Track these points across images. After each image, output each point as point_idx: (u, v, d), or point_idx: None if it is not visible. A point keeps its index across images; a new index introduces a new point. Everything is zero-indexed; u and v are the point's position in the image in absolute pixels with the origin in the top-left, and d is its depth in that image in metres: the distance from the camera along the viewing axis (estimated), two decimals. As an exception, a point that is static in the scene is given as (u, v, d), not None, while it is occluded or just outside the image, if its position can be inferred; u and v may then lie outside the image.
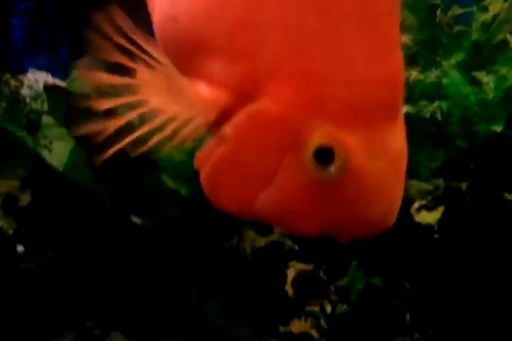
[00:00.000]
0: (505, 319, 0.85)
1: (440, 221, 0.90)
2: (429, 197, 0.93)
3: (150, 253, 0.80)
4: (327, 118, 0.34)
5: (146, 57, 0.35)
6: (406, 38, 0.96)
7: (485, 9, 0.97)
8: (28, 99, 0.77)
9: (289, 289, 0.87)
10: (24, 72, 0.82)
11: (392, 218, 0.36)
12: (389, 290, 0.88)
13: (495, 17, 0.97)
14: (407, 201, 0.92)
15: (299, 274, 0.88)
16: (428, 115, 0.96)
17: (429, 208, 0.93)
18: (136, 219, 0.78)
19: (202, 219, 0.82)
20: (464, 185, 0.90)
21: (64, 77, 0.80)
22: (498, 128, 0.91)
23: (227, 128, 0.36)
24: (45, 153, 0.75)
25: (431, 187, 0.94)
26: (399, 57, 0.36)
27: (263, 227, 0.85)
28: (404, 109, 0.36)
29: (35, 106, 0.77)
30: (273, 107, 0.35)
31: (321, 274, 0.89)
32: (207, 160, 0.37)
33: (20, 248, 0.76)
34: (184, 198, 0.81)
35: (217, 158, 0.36)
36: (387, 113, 0.36)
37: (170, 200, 0.81)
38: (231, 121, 0.36)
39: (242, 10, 0.35)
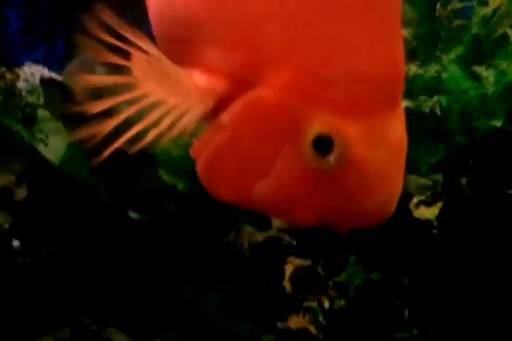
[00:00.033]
0: (505, 315, 0.85)
1: (439, 216, 0.90)
2: (428, 193, 0.93)
3: (147, 249, 0.79)
4: (326, 107, 0.34)
5: (139, 51, 0.35)
6: (405, 32, 0.95)
7: (485, 3, 0.97)
8: (24, 93, 0.77)
9: (286, 285, 0.87)
10: (20, 65, 0.82)
11: (392, 208, 0.36)
12: (387, 286, 0.88)
13: (495, 11, 0.96)
14: (405, 196, 0.92)
15: (297, 270, 0.88)
16: (427, 110, 0.96)
17: (428, 203, 0.93)
18: (133, 214, 0.78)
19: (199, 214, 0.82)
20: (463, 180, 0.90)
21: (60, 70, 0.79)
22: (498, 123, 0.91)
23: (225, 117, 0.35)
24: (41, 147, 0.75)
25: (430, 183, 0.94)
26: (399, 46, 0.36)
27: (261, 222, 0.85)
28: (404, 103, 0.36)
29: (31, 99, 0.76)
30: (271, 95, 0.35)
31: (319, 270, 0.89)
32: (203, 149, 0.36)
33: (16, 243, 0.76)
34: (181, 193, 0.81)
35: (214, 146, 0.36)
36: (388, 102, 0.35)
37: (167, 195, 0.81)
38: (228, 109, 0.35)
39: None
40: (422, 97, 0.96)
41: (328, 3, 0.34)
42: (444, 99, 0.96)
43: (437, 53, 1.00)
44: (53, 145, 0.75)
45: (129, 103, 0.35)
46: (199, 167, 0.37)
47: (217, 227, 0.84)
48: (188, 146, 0.82)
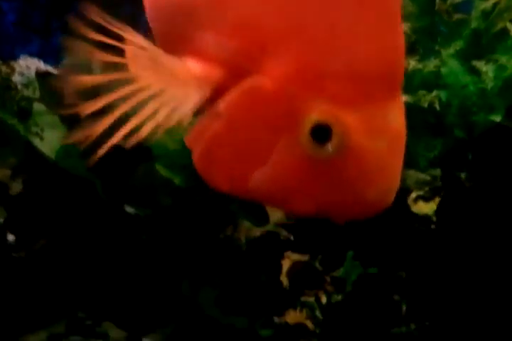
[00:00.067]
0: (503, 311, 0.85)
1: (437, 211, 0.90)
2: (427, 188, 0.93)
3: (143, 243, 0.79)
4: (325, 96, 0.34)
5: (130, 45, 0.35)
6: (404, 26, 0.95)
7: (485, -3, 0.97)
8: (19, 86, 0.77)
9: (284, 280, 0.87)
10: (15, 58, 0.82)
11: (391, 198, 0.36)
12: (385, 281, 0.88)
13: (495, 5, 0.96)
14: (404, 191, 0.92)
15: (295, 265, 0.88)
16: (426, 105, 0.95)
17: (426, 198, 0.93)
18: (129, 209, 0.78)
19: (196, 208, 0.82)
20: (462, 176, 0.90)
21: (56, 63, 0.79)
22: (497, 118, 0.91)
23: (221, 105, 0.35)
24: (36, 141, 0.74)
25: (428, 178, 0.93)
26: (400, 35, 0.35)
27: (258, 217, 0.85)
28: (403, 98, 0.36)
29: (27, 93, 0.76)
30: (268, 83, 0.34)
31: (317, 265, 0.89)
32: (199, 138, 0.36)
33: (11, 237, 0.76)
34: (178, 187, 0.81)
35: (210, 135, 0.35)
36: (387, 91, 0.35)
37: (164, 190, 0.81)
38: (225, 97, 0.35)
39: None
40: (421, 92, 0.96)
41: None
42: (443, 94, 0.96)
43: (436, 47, 0.99)
44: (49, 139, 0.75)
45: (124, 99, 0.35)
46: (195, 156, 0.37)
47: (214, 222, 0.83)
48: (184, 140, 0.82)
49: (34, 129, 0.74)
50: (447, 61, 0.97)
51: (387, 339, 0.87)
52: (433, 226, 0.90)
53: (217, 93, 0.35)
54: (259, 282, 0.84)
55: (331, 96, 0.34)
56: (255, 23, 0.34)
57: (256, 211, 0.85)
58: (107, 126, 0.34)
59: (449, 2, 0.98)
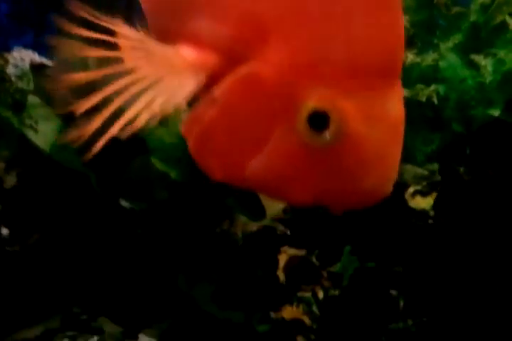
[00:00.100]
0: (502, 306, 0.85)
1: (435, 206, 0.90)
2: (424, 183, 0.93)
3: (139, 238, 0.79)
4: (322, 82, 0.33)
5: (123, 38, 0.34)
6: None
7: (484, -10, 0.97)
8: (13, 78, 0.76)
9: (280, 275, 0.87)
10: (9, 50, 0.81)
11: (389, 187, 0.35)
12: (382, 277, 0.88)
13: (494, -2, 0.96)
14: (401, 186, 0.92)
15: (291, 259, 0.88)
16: (424, 99, 0.95)
17: (423, 193, 0.93)
18: (124, 203, 0.78)
19: (192, 202, 0.82)
20: (460, 170, 0.90)
21: (51, 55, 0.78)
22: (496, 113, 0.91)
23: (217, 92, 0.35)
24: (30, 134, 0.74)
25: (426, 172, 0.93)
26: (399, 21, 0.35)
27: (255, 212, 0.85)
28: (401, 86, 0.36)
29: (21, 85, 0.76)
30: (264, 69, 0.34)
31: (314, 260, 0.89)
32: (195, 126, 0.35)
33: (4, 231, 0.75)
34: (174, 181, 0.80)
35: (206, 122, 0.35)
36: (386, 77, 0.34)
37: (159, 183, 0.81)
38: (220, 84, 0.35)
39: None
40: (419, 86, 0.96)
41: None
42: (441, 88, 0.96)
43: (435, 41, 0.99)
44: (43, 132, 0.74)
45: (119, 92, 0.35)
46: (190, 144, 0.36)
47: (210, 216, 0.83)
48: (180, 134, 0.82)
49: (28, 122, 0.74)
50: (446, 55, 0.97)
51: (384, 335, 0.87)
52: (430, 221, 0.90)
53: (213, 80, 0.35)
54: (256, 277, 0.84)
55: (329, 83, 0.33)
56: (251, 9, 0.34)
57: (252, 205, 0.84)
58: (103, 120, 0.34)
59: (447, -5, 0.98)
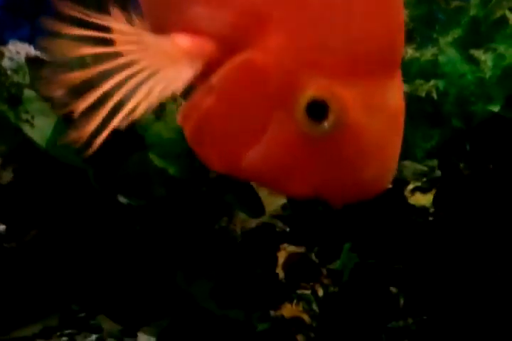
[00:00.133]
0: (502, 304, 0.85)
1: (434, 202, 0.90)
2: (424, 179, 0.93)
3: (137, 234, 0.79)
4: (321, 71, 0.33)
5: (117, 34, 0.34)
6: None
7: (484, -16, 0.97)
8: (9, 72, 0.76)
9: (280, 272, 0.87)
10: (5, 43, 0.81)
11: (389, 178, 0.35)
12: (382, 274, 0.88)
13: (494, -8, 0.96)
14: (401, 182, 0.92)
15: (291, 257, 0.88)
16: (424, 94, 0.96)
17: (423, 190, 0.93)
18: (122, 199, 0.78)
19: (191, 199, 0.82)
20: (459, 166, 0.90)
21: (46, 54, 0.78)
22: (496, 108, 0.91)
23: (213, 80, 0.34)
24: (26, 129, 0.74)
25: (425, 169, 0.94)
26: (399, 10, 0.35)
27: (254, 208, 0.85)
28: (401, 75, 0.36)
29: (17, 78, 0.75)
30: (263, 57, 0.33)
31: (313, 257, 0.89)
32: (192, 115, 0.35)
33: (1, 227, 0.75)
34: (172, 177, 0.80)
35: (203, 111, 0.35)
36: (386, 66, 0.34)
37: (157, 179, 0.81)
38: (217, 72, 0.34)
39: None
40: (418, 81, 0.96)
41: None
42: (440, 83, 0.96)
43: (434, 36, 0.99)
44: (40, 127, 0.74)
45: (117, 87, 0.35)
46: (187, 133, 0.36)
47: (209, 213, 0.83)
48: (179, 129, 0.81)
49: (24, 116, 0.74)
50: (445, 49, 0.97)
51: (384, 334, 0.87)
52: (430, 218, 0.91)
53: (210, 68, 0.35)
54: (255, 274, 0.84)
55: (328, 71, 0.33)
56: None
57: (251, 202, 0.85)
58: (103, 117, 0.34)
59: (447, -11, 0.98)
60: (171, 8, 0.36)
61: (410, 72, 0.97)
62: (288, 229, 0.88)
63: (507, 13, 0.96)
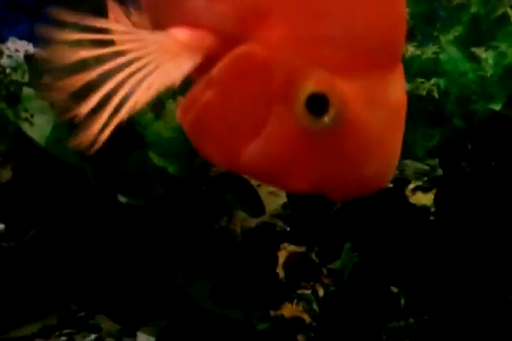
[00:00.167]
0: (503, 304, 0.85)
1: (435, 201, 0.90)
2: (425, 178, 0.94)
3: (137, 234, 0.79)
4: (322, 64, 0.33)
5: (115, 34, 0.34)
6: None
7: (485, -18, 0.97)
8: (8, 70, 0.76)
9: (280, 272, 0.87)
10: (4, 40, 0.81)
11: (390, 174, 0.35)
12: (383, 274, 0.89)
13: (495, -10, 0.97)
14: (402, 181, 0.92)
15: (291, 256, 0.88)
16: (424, 92, 0.96)
17: (424, 189, 0.93)
18: (122, 198, 0.78)
19: (190, 198, 0.82)
20: (461, 166, 0.90)
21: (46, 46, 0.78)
22: (497, 107, 0.91)
23: (212, 74, 0.34)
24: (25, 127, 0.74)
25: (427, 168, 0.94)
26: (401, 3, 0.35)
27: (254, 208, 0.85)
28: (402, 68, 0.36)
29: (16, 77, 0.76)
30: (261, 50, 0.33)
31: (313, 257, 0.90)
32: (191, 108, 0.35)
33: (0, 226, 0.75)
34: (172, 176, 0.81)
35: (202, 105, 0.35)
36: (387, 59, 0.34)
37: (157, 178, 0.81)
38: (216, 66, 0.34)
39: None
40: (419, 79, 0.96)
41: None
42: (441, 82, 0.96)
43: (435, 33, 1.00)
44: (39, 125, 0.74)
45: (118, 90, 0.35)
46: (185, 126, 0.36)
47: (208, 212, 0.84)
48: (178, 128, 0.82)
49: (23, 115, 0.74)
50: (446, 47, 0.98)
51: (385, 334, 0.88)
52: (432, 218, 0.91)
53: (210, 61, 0.34)
54: (255, 274, 0.85)
55: (328, 64, 0.33)
56: None
57: (251, 201, 0.85)
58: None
59: (448, -14, 0.99)
60: (170, 1, 0.36)
61: (411, 70, 0.97)
62: (288, 229, 0.88)
63: (508, 10, 0.97)
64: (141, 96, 0.34)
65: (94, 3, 0.37)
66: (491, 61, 0.94)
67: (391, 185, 0.91)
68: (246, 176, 0.85)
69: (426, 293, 0.89)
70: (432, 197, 0.92)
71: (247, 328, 0.82)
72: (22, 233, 0.75)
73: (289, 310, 0.86)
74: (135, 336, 0.76)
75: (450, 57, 0.97)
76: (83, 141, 0.33)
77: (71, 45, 0.33)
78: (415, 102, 0.95)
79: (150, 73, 0.34)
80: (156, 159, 0.80)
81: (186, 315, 0.80)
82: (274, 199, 0.87)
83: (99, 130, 0.34)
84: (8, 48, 0.78)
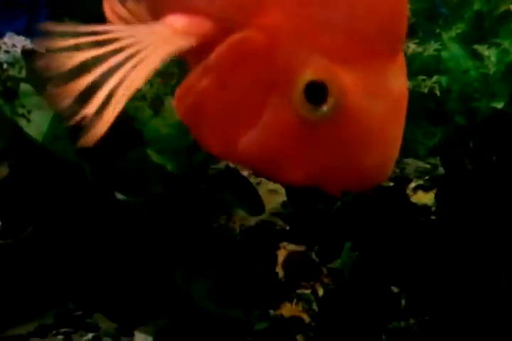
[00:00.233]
0: (505, 305, 0.86)
1: (436, 199, 0.91)
2: (426, 177, 0.94)
3: (135, 232, 0.80)
4: (320, 51, 0.32)
5: (111, 33, 0.34)
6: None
7: (487, -22, 0.98)
8: (5, 65, 0.76)
9: (279, 271, 0.87)
10: (1, 36, 0.81)
11: (390, 167, 0.34)
12: (384, 274, 0.89)
13: (498, -14, 0.97)
14: (403, 180, 0.93)
15: (290, 255, 0.88)
16: (426, 90, 0.96)
17: (425, 188, 0.93)
18: (119, 196, 0.78)
19: (189, 196, 0.82)
20: (463, 164, 0.91)
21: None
22: (500, 105, 0.92)
23: (209, 60, 0.34)
24: (23, 123, 0.74)
25: (428, 166, 0.94)
26: None
27: (253, 206, 0.86)
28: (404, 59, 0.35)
29: (13, 72, 0.76)
30: (259, 37, 0.33)
31: (313, 256, 0.90)
32: (187, 95, 0.35)
33: (-3, 223, 0.76)
34: (170, 174, 0.81)
35: (199, 92, 0.34)
36: (389, 47, 0.33)
37: (155, 176, 0.81)
38: (213, 52, 0.34)
39: None
40: (421, 77, 0.97)
41: None
42: (443, 79, 0.96)
43: (437, 30, 1.00)
44: (36, 121, 0.74)
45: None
46: (181, 113, 0.35)
47: (207, 210, 0.84)
48: (177, 125, 0.82)
49: (21, 111, 0.74)
50: (448, 45, 0.98)
51: (385, 334, 0.88)
52: (432, 217, 0.91)
53: (207, 48, 0.34)
54: (254, 273, 0.85)
55: (327, 52, 0.32)
56: None
57: (251, 199, 0.85)
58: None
59: (450, -18, 0.99)
60: None
61: (413, 67, 0.98)
62: (288, 228, 0.88)
63: (511, 7, 0.97)
64: (135, 80, 0.33)
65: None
66: (493, 58, 0.94)
67: (392, 184, 0.91)
68: (244, 174, 0.85)
69: (427, 293, 0.89)
70: (433, 196, 0.93)
71: (245, 327, 0.83)
72: (19, 230, 0.75)
73: (288, 309, 0.87)
74: (133, 335, 0.77)
75: (452, 55, 0.97)
76: (89, 142, 0.33)
77: (67, 50, 0.33)
78: (417, 100, 0.95)
79: (145, 57, 0.34)
80: (154, 156, 0.80)
81: (185, 314, 0.80)
82: (273, 197, 0.87)
83: (97, 114, 0.33)
84: (5, 43, 0.78)
